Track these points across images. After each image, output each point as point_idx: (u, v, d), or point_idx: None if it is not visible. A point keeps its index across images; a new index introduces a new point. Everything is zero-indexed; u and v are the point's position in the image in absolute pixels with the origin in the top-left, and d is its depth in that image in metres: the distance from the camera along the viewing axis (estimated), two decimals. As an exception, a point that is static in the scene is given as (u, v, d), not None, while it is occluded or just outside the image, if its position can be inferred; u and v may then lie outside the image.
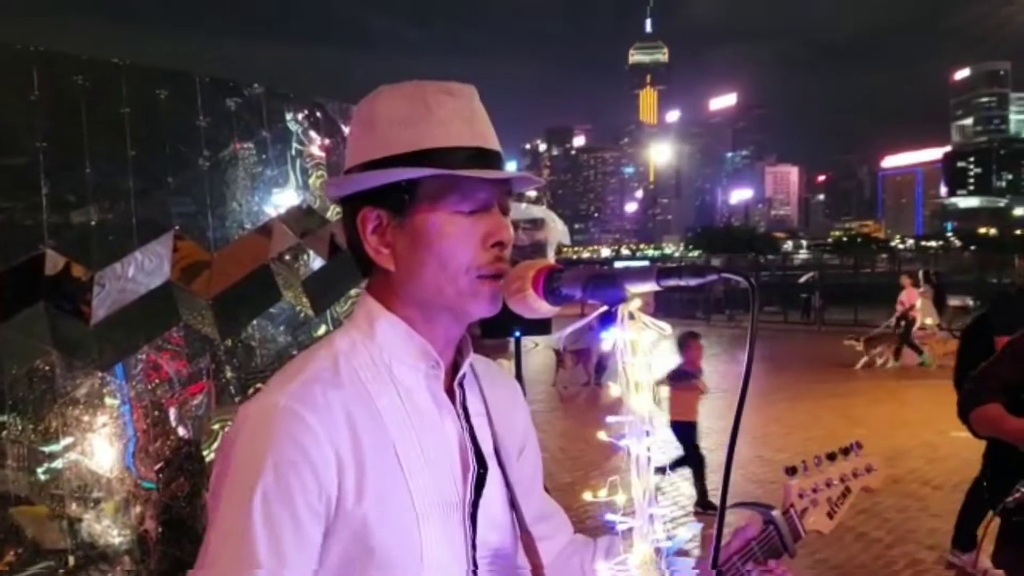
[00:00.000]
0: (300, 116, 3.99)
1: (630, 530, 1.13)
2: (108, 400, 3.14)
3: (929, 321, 17.66)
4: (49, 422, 2.99)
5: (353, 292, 4.11)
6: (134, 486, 3.18)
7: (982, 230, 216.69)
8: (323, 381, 1.19)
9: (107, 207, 3.22)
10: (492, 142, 1.27)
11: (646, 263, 1.19)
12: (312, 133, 4.03)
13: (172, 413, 3.34)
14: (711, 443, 10.08)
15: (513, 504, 1.35)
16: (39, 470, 2.95)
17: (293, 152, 3.95)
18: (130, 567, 3.11)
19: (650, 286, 1.09)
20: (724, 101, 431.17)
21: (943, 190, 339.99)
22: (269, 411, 1.16)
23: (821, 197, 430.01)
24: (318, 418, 1.15)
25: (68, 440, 3.02)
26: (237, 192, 3.68)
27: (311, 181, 4.00)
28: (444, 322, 1.28)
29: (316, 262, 3.99)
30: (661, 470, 6.88)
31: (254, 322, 3.71)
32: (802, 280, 31.58)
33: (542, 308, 1.17)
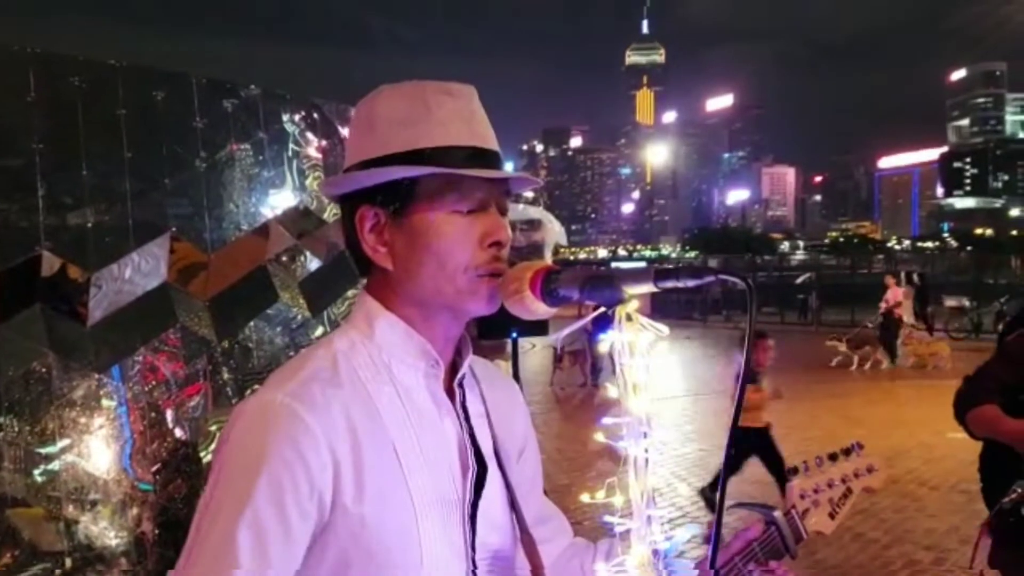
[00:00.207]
0: (297, 117, 3.99)
1: (628, 532, 1.13)
2: (105, 402, 3.14)
3: (906, 320, 17.71)
4: (46, 424, 2.98)
5: (350, 293, 4.11)
6: (131, 488, 3.17)
7: (978, 231, 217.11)
8: (321, 380, 1.19)
9: (104, 208, 3.22)
10: (491, 142, 1.27)
11: (643, 264, 1.19)
12: (309, 134, 4.03)
13: (169, 415, 3.34)
14: (709, 444, 10.11)
15: (513, 505, 1.35)
16: (36, 472, 2.95)
17: (290, 153, 3.95)
18: (127, 568, 3.11)
19: (647, 287, 1.09)
20: (721, 102, 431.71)
21: (939, 191, 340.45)
22: (266, 408, 1.16)
23: (818, 198, 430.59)
24: (316, 417, 1.14)
25: (65, 442, 3.02)
26: (234, 193, 3.68)
27: (308, 182, 3.99)
28: (443, 321, 1.27)
29: (313, 263, 3.99)
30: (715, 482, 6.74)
31: (251, 323, 3.71)
32: (799, 281, 31.61)
33: (539, 309, 1.17)
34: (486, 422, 1.36)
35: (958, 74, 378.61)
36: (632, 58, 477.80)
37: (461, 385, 1.32)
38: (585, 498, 1.17)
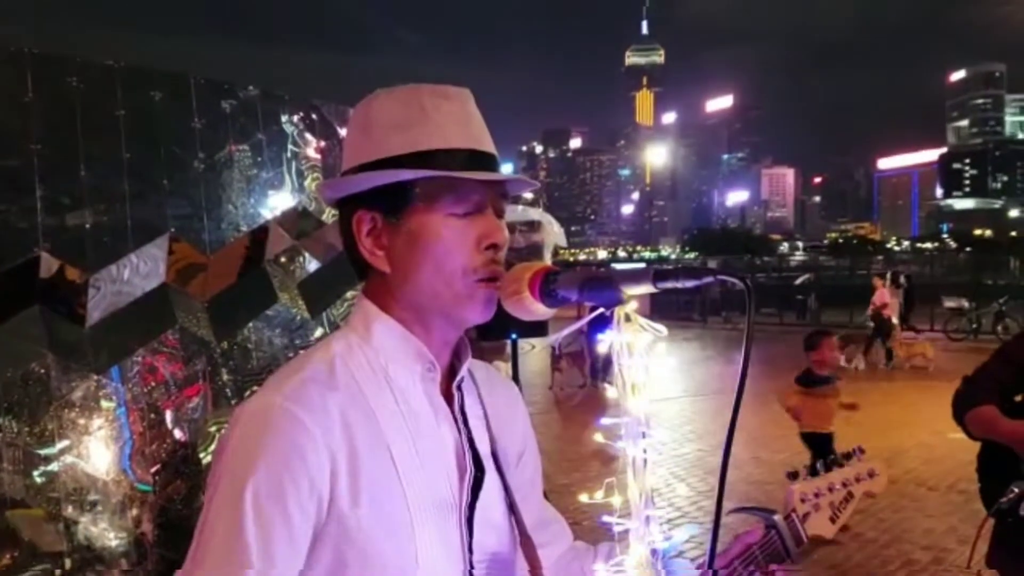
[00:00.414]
0: (296, 118, 3.99)
1: (626, 532, 1.13)
2: (104, 403, 3.14)
3: (894, 321, 17.73)
4: (45, 425, 2.98)
5: (349, 295, 4.11)
6: (130, 489, 3.17)
7: (978, 232, 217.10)
8: (319, 383, 1.19)
9: (102, 210, 3.21)
10: (487, 145, 1.27)
11: (642, 265, 1.20)
12: (308, 135, 4.03)
13: (168, 416, 3.34)
14: (707, 445, 10.11)
15: (512, 508, 1.35)
16: (35, 473, 2.95)
17: (289, 154, 3.95)
18: (127, 569, 3.11)
19: (646, 288, 1.09)
20: (720, 103, 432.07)
21: (939, 192, 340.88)
22: (265, 410, 1.16)
23: (817, 199, 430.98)
24: (313, 418, 1.15)
25: (64, 443, 3.02)
26: (232, 194, 3.67)
27: (307, 183, 3.99)
28: (440, 325, 1.28)
29: (312, 264, 3.99)
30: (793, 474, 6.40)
31: (250, 325, 3.71)
32: (798, 282, 31.62)
33: (539, 310, 1.17)
34: (484, 425, 1.36)
35: (957, 75, 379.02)
36: (632, 59, 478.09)
37: (459, 388, 1.33)
38: (584, 498, 1.17)
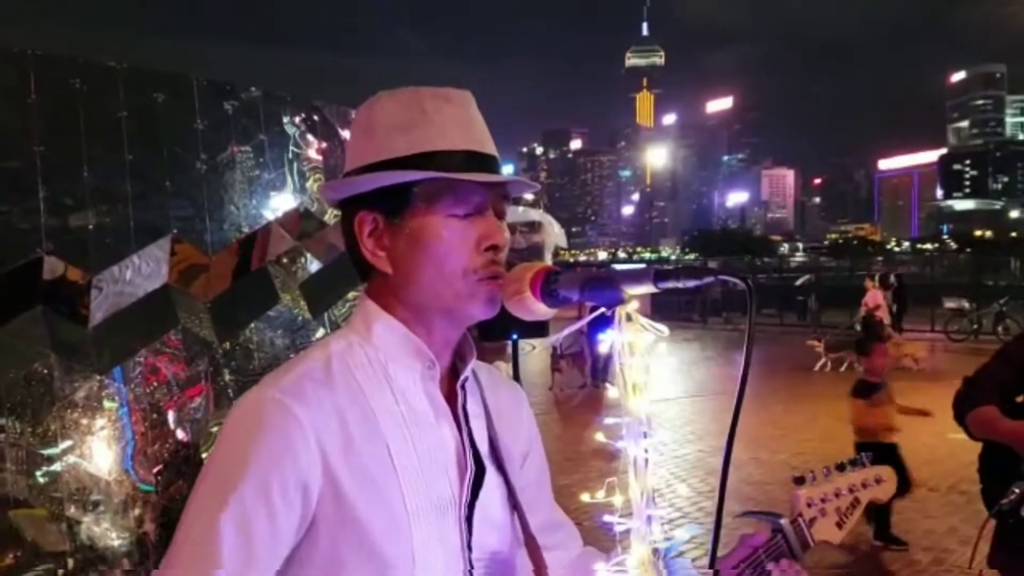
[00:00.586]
0: (297, 119, 3.99)
1: (628, 531, 1.14)
2: (107, 403, 3.14)
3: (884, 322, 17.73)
4: (48, 425, 2.98)
5: (351, 295, 4.11)
6: (133, 489, 3.18)
7: (978, 232, 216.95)
8: (314, 379, 1.21)
9: (105, 211, 3.22)
10: (488, 146, 1.28)
11: (643, 265, 1.20)
12: (310, 136, 4.03)
13: (171, 416, 3.34)
14: (707, 446, 10.12)
15: (515, 508, 1.36)
16: (38, 473, 2.95)
17: (290, 155, 3.95)
18: (129, 569, 3.11)
19: (647, 288, 1.09)
20: (720, 104, 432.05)
21: (939, 192, 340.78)
22: (257, 404, 1.18)
23: (817, 200, 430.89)
24: (305, 411, 1.16)
25: (67, 443, 3.02)
26: (235, 195, 3.68)
27: (308, 184, 3.99)
28: (441, 324, 1.28)
29: (314, 265, 3.99)
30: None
31: (252, 325, 3.71)
32: (798, 283, 31.60)
33: (540, 310, 1.18)
34: (484, 423, 1.36)
35: (958, 76, 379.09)
36: (632, 60, 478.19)
37: (463, 388, 1.33)
38: (585, 498, 1.17)
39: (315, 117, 4.07)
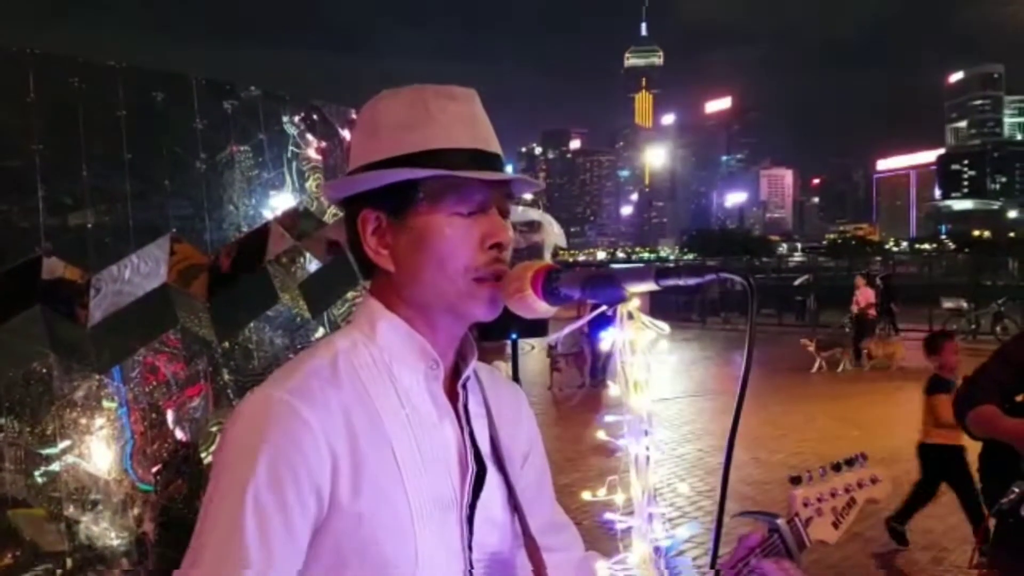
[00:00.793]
0: (297, 119, 3.99)
1: (629, 529, 1.14)
2: (106, 403, 3.14)
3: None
4: (47, 424, 2.98)
5: (350, 295, 4.11)
6: (132, 488, 3.18)
7: (976, 232, 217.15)
8: (321, 378, 1.20)
9: (104, 210, 3.22)
10: (493, 145, 1.28)
11: (643, 263, 1.20)
12: (309, 136, 4.03)
13: (170, 415, 3.34)
14: (707, 445, 10.12)
15: (516, 508, 1.36)
16: (37, 472, 2.95)
17: (289, 155, 3.95)
18: (128, 568, 3.11)
19: (649, 286, 1.09)
20: (719, 104, 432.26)
21: (937, 193, 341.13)
22: (265, 405, 1.17)
23: (816, 200, 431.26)
24: (314, 413, 1.15)
25: (66, 443, 3.02)
26: (234, 195, 3.68)
27: (308, 184, 4.00)
28: (445, 323, 1.28)
29: (313, 264, 3.99)
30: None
31: (251, 325, 3.71)
32: (797, 283, 31.60)
33: (541, 308, 1.18)
34: (485, 423, 1.36)
35: (956, 76, 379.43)
36: (631, 61, 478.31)
37: (464, 387, 1.33)
38: (587, 496, 1.17)
39: (314, 116, 4.07)
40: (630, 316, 1.10)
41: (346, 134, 4.10)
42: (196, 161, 3.54)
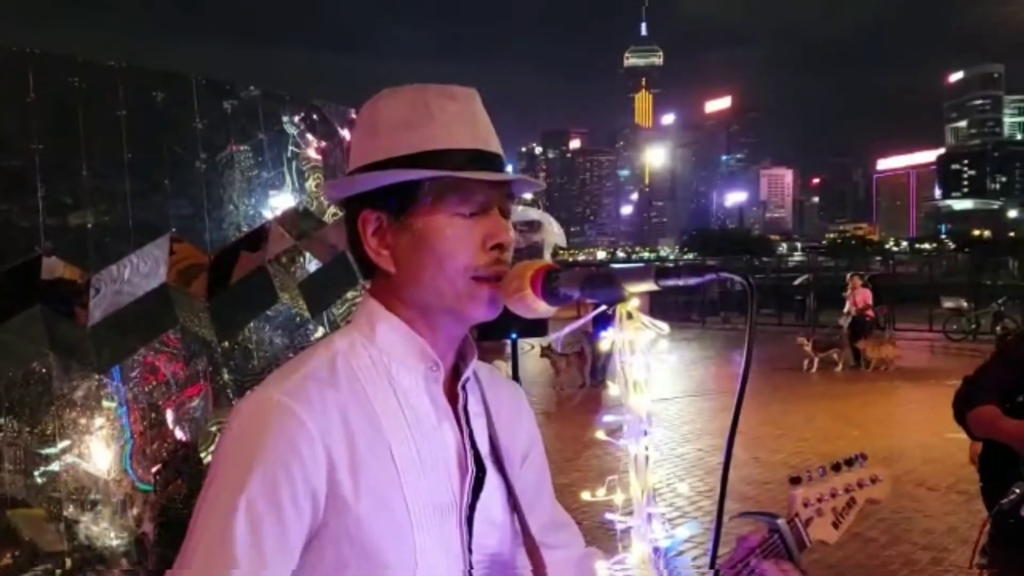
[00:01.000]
0: (297, 118, 3.99)
1: (628, 530, 1.13)
2: (105, 402, 3.14)
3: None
4: (46, 424, 2.98)
5: (350, 295, 4.11)
6: (131, 488, 3.17)
7: (976, 232, 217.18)
8: (319, 380, 1.20)
9: (104, 209, 3.22)
10: (493, 145, 1.28)
11: (643, 263, 1.20)
12: (309, 135, 4.03)
13: (169, 415, 3.34)
14: (706, 445, 10.12)
15: (515, 508, 1.36)
16: (36, 472, 2.95)
17: (289, 154, 3.95)
18: (127, 569, 3.11)
19: (648, 285, 1.09)
20: (719, 104, 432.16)
21: (937, 192, 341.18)
22: (262, 406, 1.17)
23: (816, 199, 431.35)
24: (311, 415, 1.15)
25: (65, 442, 3.02)
26: (234, 194, 3.68)
27: (308, 184, 4.00)
28: (444, 324, 1.28)
29: (312, 264, 3.99)
30: None
31: (251, 324, 3.71)
32: (796, 282, 31.59)
33: (540, 308, 1.17)
34: (485, 424, 1.36)
35: (956, 76, 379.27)
36: (631, 60, 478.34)
37: (464, 388, 1.33)
38: (586, 496, 1.17)
39: (314, 116, 4.07)
40: (629, 316, 1.10)
41: (346, 134, 4.10)
42: (196, 161, 3.54)
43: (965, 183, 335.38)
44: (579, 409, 12.89)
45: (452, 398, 1.31)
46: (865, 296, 17.51)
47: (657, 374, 1.12)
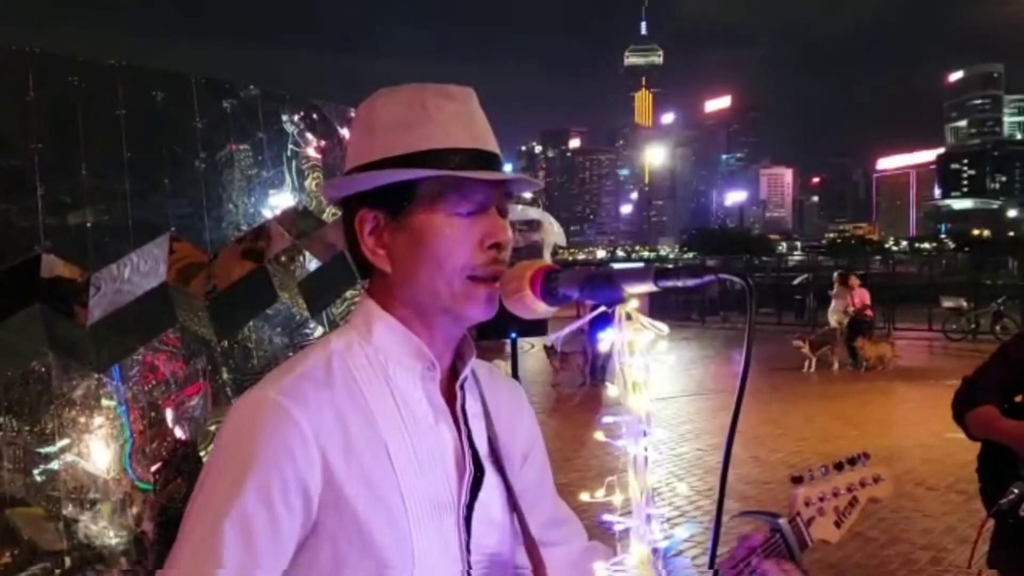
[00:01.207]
0: (296, 118, 3.98)
1: (627, 530, 1.13)
2: (104, 401, 3.14)
3: (838, 320, 17.68)
4: (45, 423, 2.98)
5: (349, 294, 4.11)
6: (131, 487, 3.17)
7: (976, 232, 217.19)
8: (314, 379, 1.20)
9: (103, 209, 3.21)
10: (491, 144, 1.27)
11: (642, 264, 1.19)
12: (308, 135, 4.03)
13: (169, 414, 3.34)
14: (706, 444, 10.12)
15: (515, 508, 1.35)
16: (35, 471, 2.95)
17: (289, 153, 3.95)
18: (127, 568, 3.11)
19: (647, 287, 1.09)
20: (719, 103, 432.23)
21: (937, 192, 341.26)
22: (257, 406, 1.17)
23: (815, 199, 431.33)
24: (305, 415, 1.15)
25: (64, 441, 3.02)
26: (233, 194, 3.68)
27: (307, 183, 3.99)
28: (442, 324, 1.28)
29: (312, 263, 3.99)
30: None
31: (250, 323, 3.71)
32: (796, 282, 31.60)
33: (539, 309, 1.17)
34: (483, 423, 1.36)
35: (956, 75, 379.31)
36: (631, 60, 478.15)
37: (462, 388, 1.33)
38: (585, 497, 1.17)
39: (314, 115, 4.07)
40: (628, 317, 1.10)
41: (345, 133, 4.10)
42: (195, 160, 3.54)
43: (965, 183, 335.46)
44: (578, 408, 12.89)
45: (450, 398, 1.31)
46: (863, 296, 17.52)
47: (656, 373, 1.12)
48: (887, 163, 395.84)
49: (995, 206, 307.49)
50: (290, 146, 3.95)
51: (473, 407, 1.34)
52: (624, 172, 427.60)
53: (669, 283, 1.08)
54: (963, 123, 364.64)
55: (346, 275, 4.03)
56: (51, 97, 3.12)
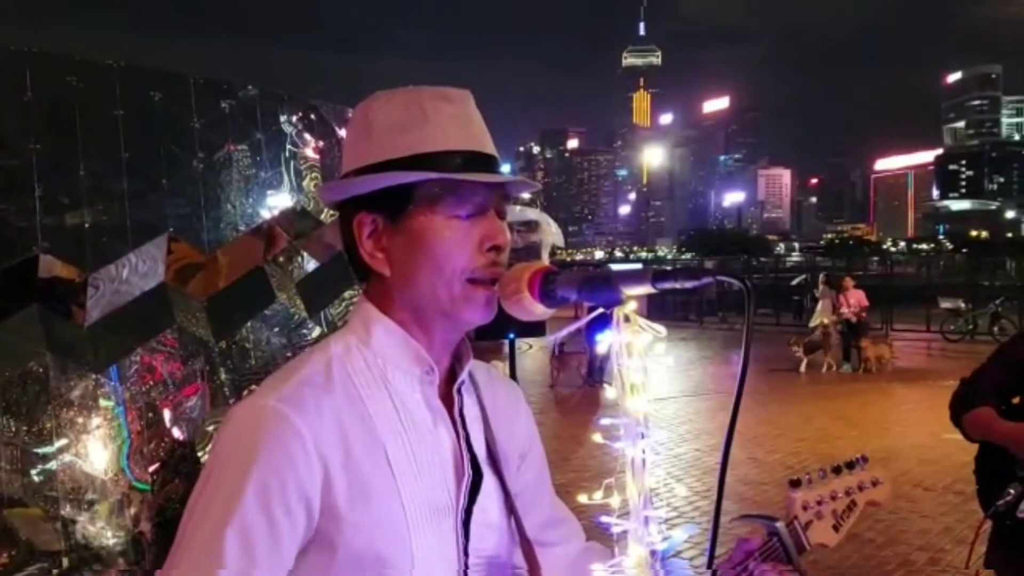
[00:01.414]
0: (294, 118, 3.98)
1: (625, 532, 1.13)
2: (102, 402, 3.13)
3: (826, 321, 17.72)
4: (43, 424, 2.98)
5: (347, 294, 4.11)
6: (128, 488, 3.17)
7: (974, 233, 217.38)
8: (314, 385, 1.19)
9: (101, 209, 3.21)
10: (488, 146, 1.27)
11: (640, 265, 1.20)
12: (306, 135, 4.02)
13: (167, 415, 3.34)
14: (704, 445, 10.12)
15: (512, 510, 1.35)
16: (33, 472, 2.94)
17: (287, 154, 3.94)
18: (124, 568, 3.10)
19: (645, 288, 1.09)
20: (717, 104, 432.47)
21: (935, 193, 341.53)
22: (256, 413, 1.16)
23: (813, 200, 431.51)
24: (306, 422, 1.15)
25: (62, 442, 3.01)
26: (231, 194, 3.67)
27: (305, 183, 3.99)
28: (440, 327, 1.27)
29: (310, 264, 3.99)
30: None
31: (248, 324, 3.71)
32: (794, 283, 31.63)
33: (538, 310, 1.17)
34: (482, 427, 1.36)
35: (954, 76, 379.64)
36: (629, 60, 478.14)
37: (460, 391, 1.33)
38: (583, 499, 1.17)
39: (312, 116, 4.06)
40: (626, 319, 1.10)
41: (344, 133, 4.09)
42: (193, 160, 3.53)
43: (963, 184, 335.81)
44: (576, 409, 12.89)
45: (448, 402, 1.31)
46: (859, 297, 17.54)
47: (654, 374, 1.12)
48: (885, 164, 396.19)
49: (993, 207, 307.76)
50: (288, 146, 3.94)
51: (471, 410, 1.34)
52: (622, 173, 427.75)
53: (667, 285, 1.08)
54: (961, 124, 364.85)
55: (344, 276, 4.03)
56: (49, 97, 3.12)
